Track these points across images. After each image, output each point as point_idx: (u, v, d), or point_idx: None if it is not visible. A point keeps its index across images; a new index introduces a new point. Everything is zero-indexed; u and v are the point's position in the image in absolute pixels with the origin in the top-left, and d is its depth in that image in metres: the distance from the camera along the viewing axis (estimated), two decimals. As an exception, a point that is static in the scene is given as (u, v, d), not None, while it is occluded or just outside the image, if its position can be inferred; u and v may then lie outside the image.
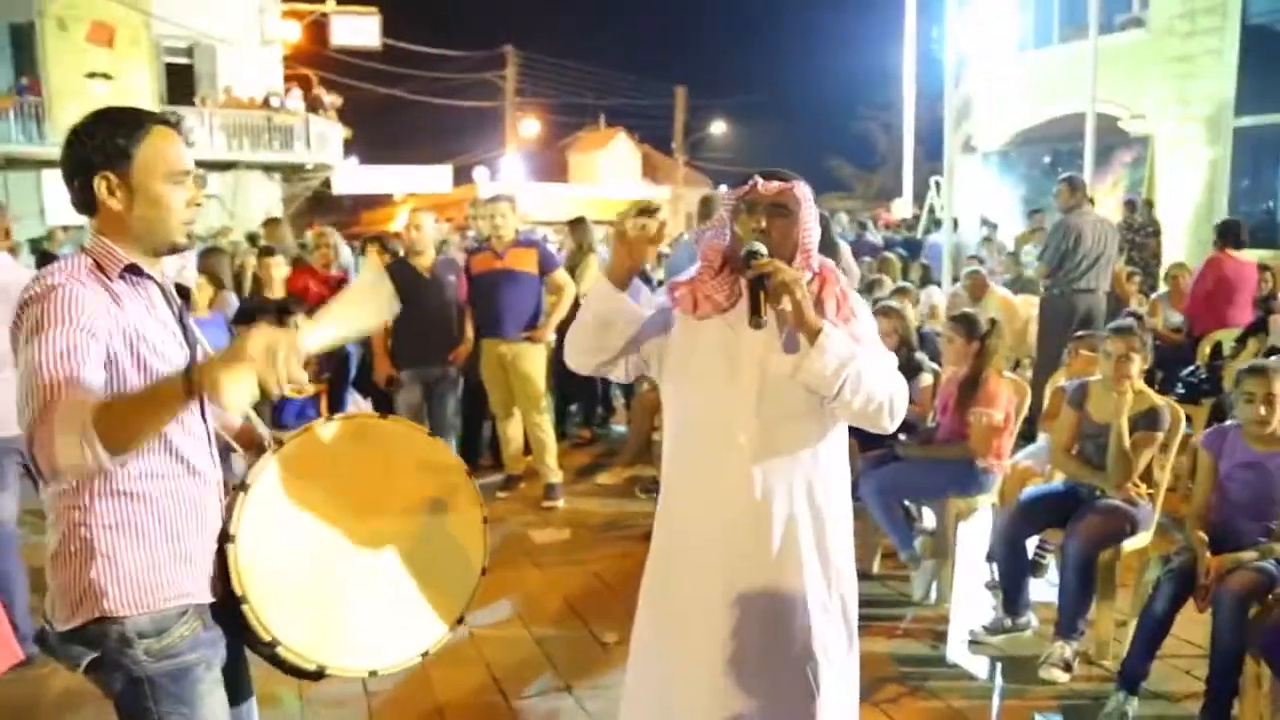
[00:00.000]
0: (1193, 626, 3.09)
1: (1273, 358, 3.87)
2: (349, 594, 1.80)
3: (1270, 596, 2.81)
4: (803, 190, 1.90)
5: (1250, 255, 6.76)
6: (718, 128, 36.31)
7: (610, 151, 34.66)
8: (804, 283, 1.80)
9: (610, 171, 33.53)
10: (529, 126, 31.92)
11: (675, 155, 34.55)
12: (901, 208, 16.87)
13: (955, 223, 13.72)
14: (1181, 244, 11.32)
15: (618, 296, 1.94)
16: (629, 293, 1.99)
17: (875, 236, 13.66)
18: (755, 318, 1.75)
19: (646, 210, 2.27)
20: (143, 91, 18.92)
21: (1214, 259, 6.36)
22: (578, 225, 7.29)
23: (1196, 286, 6.35)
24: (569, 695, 3.17)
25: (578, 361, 2.03)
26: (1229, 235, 6.40)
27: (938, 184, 16.21)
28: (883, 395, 1.84)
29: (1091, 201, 12.40)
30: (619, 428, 7.14)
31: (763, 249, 1.80)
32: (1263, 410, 2.97)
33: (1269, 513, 3.00)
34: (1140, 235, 10.27)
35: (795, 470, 1.90)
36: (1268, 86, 11.19)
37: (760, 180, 1.88)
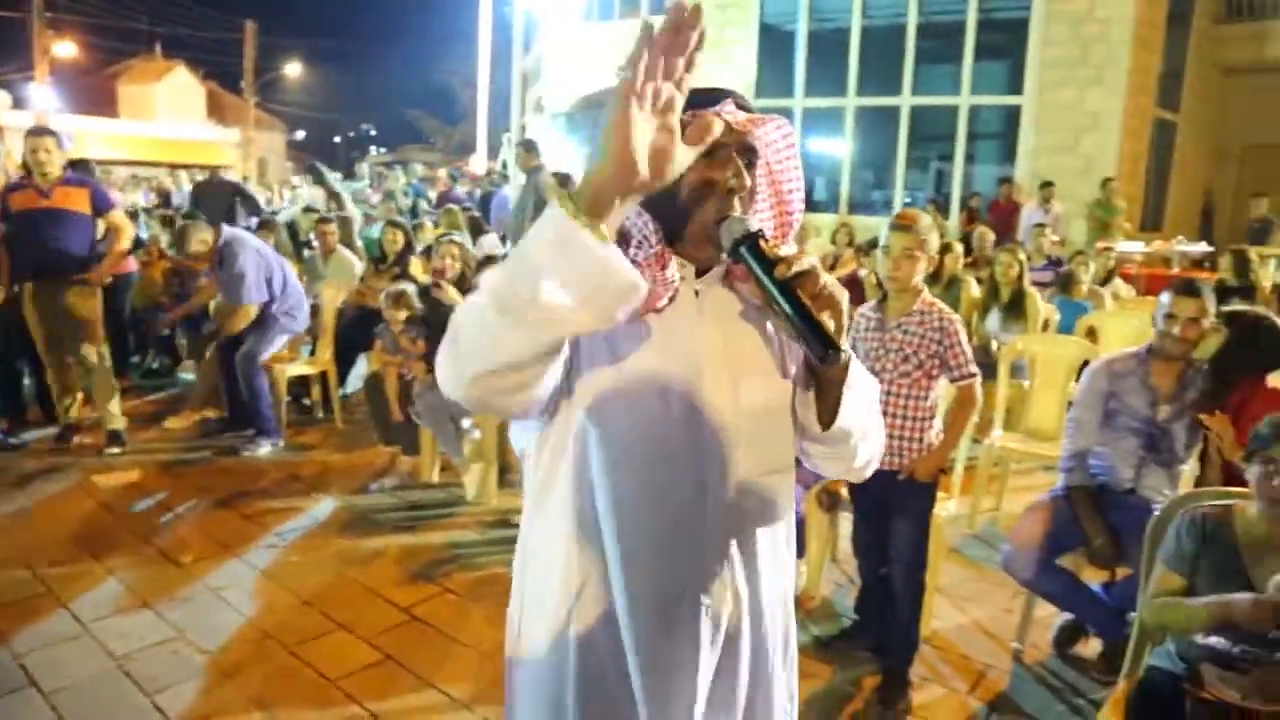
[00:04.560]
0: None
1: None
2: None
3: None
4: (781, 122, 1.26)
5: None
6: (293, 69, 34.45)
7: (168, 85, 31.39)
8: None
9: (169, 108, 30.37)
10: (66, 49, 27.74)
11: (245, 95, 32.20)
12: (478, 162, 17.67)
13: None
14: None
15: (596, 251, 0.98)
16: None
17: (462, 190, 14.36)
18: (833, 351, 1.10)
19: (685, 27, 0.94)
20: None
21: None
22: None
23: None
24: (149, 610, 3.39)
25: (469, 388, 1.08)
26: (569, 188, 7.68)
27: (509, 140, 17.24)
28: (878, 444, 1.39)
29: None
30: (186, 375, 7.02)
31: (757, 227, 1.17)
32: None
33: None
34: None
35: (773, 541, 1.35)
36: (778, 75, 13.61)
37: (729, 106, 1.22)
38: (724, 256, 1.21)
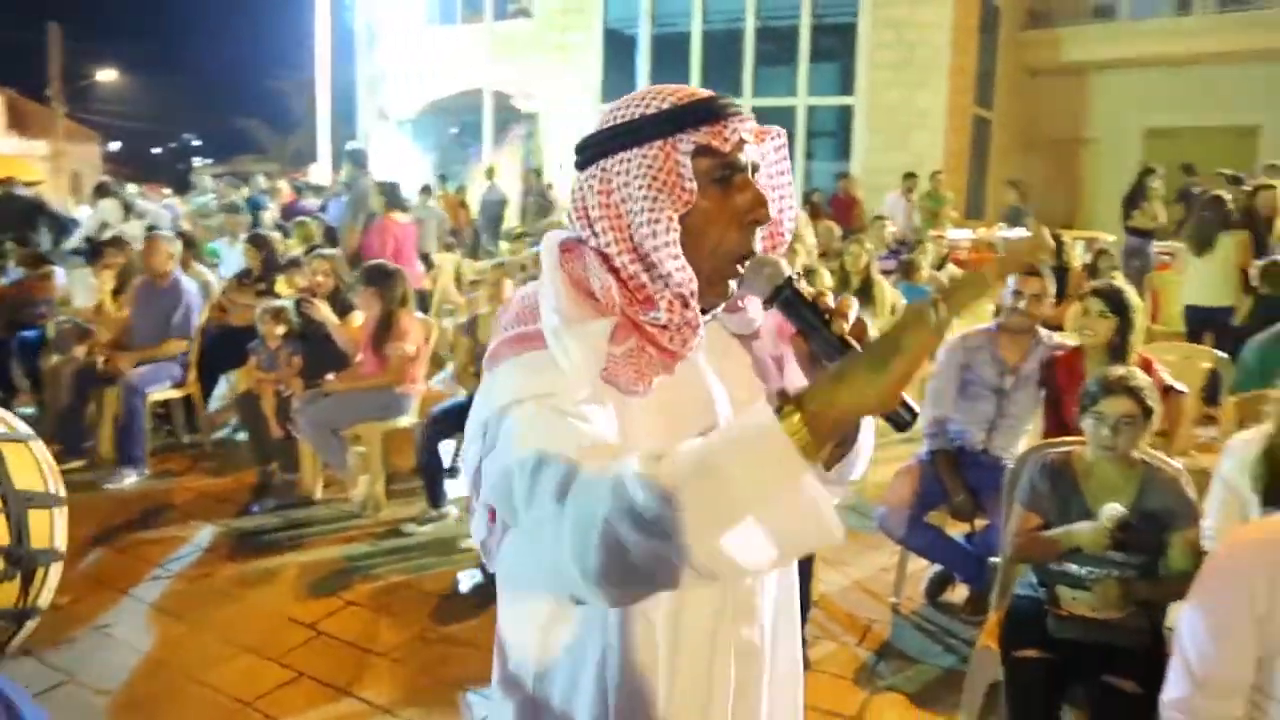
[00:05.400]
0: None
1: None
2: None
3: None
4: (779, 132, 1.18)
5: (406, 218, 7.65)
6: (107, 76, 32.26)
7: (-41, 95, 28.74)
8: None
9: (-39, 120, 27.85)
10: None
11: (53, 104, 29.88)
12: (319, 172, 17.12)
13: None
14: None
15: (814, 494, 0.88)
16: None
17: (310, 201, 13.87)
18: (910, 415, 0.95)
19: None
20: None
21: (383, 222, 7.22)
22: None
23: (366, 243, 7.12)
24: (29, 658, 3.23)
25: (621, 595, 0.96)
26: (393, 198, 7.24)
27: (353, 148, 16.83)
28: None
29: (492, 171, 14.05)
30: (26, 409, 6.56)
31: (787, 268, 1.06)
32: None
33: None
34: (540, 199, 12.26)
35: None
36: (622, 79, 13.88)
37: (751, 122, 1.11)
38: (735, 295, 1.10)
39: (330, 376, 4.72)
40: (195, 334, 5.50)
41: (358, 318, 4.92)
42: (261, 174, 15.07)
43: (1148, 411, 2.40)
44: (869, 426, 1.18)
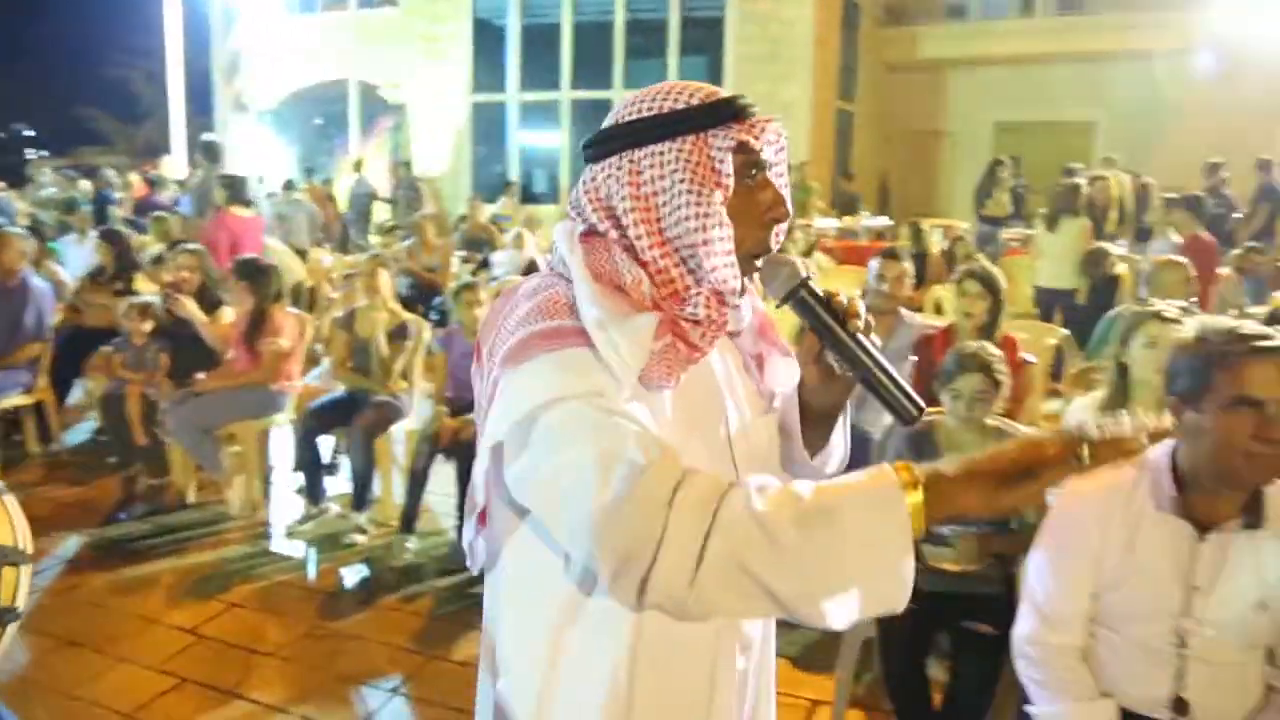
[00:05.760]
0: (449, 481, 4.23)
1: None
2: None
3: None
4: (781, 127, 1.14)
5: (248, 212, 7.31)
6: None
7: None
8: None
9: None
10: None
11: None
12: (174, 165, 16.29)
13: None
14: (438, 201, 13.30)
15: (909, 565, 0.94)
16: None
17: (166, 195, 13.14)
18: (918, 410, 1.05)
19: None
20: None
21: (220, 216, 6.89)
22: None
23: (206, 236, 6.64)
24: None
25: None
26: (235, 192, 6.94)
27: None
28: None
29: (360, 164, 13.72)
30: None
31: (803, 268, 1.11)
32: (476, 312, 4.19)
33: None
34: (410, 192, 12.01)
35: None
36: (492, 71, 13.77)
37: (765, 115, 1.10)
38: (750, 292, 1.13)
39: (200, 375, 4.56)
40: (48, 336, 5.19)
41: (227, 314, 4.76)
42: (109, 167, 14.18)
43: (998, 384, 2.62)
44: (845, 423, 1.23)
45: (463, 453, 4.03)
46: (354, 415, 4.26)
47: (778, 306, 1.11)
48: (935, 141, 14.66)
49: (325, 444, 4.61)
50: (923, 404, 1.04)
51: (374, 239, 10.79)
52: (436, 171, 13.90)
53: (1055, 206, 7.05)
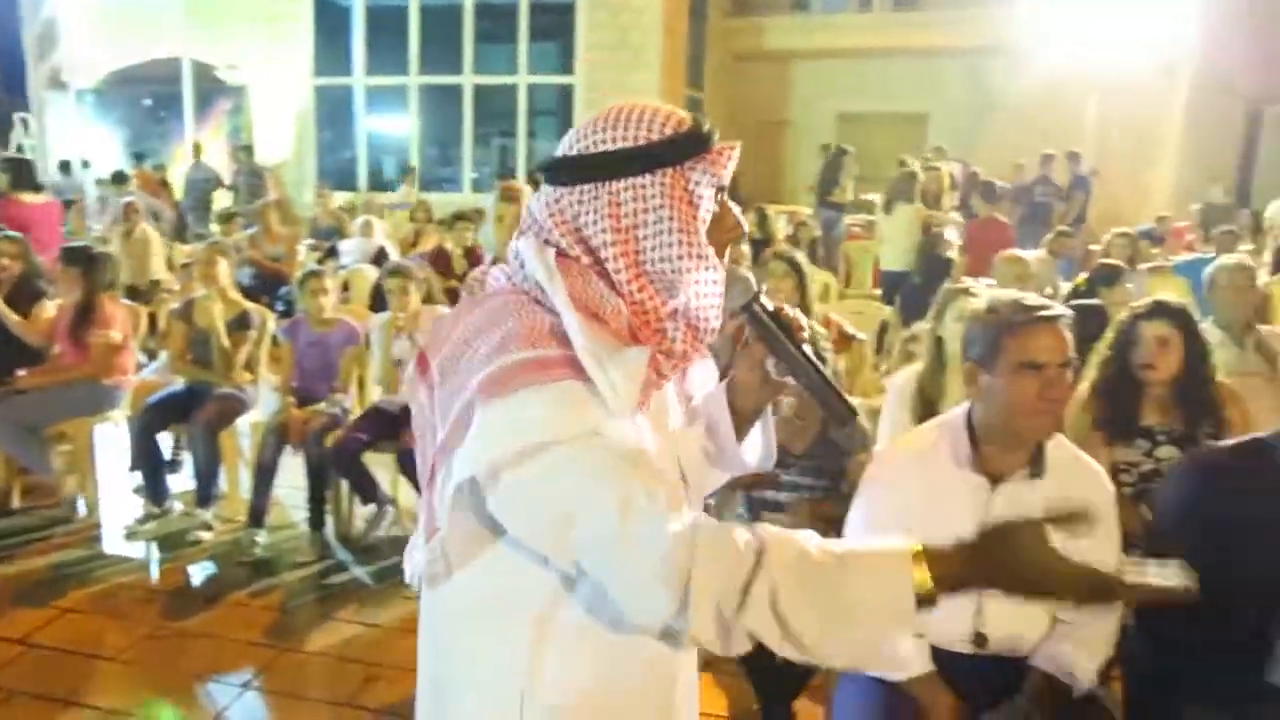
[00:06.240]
0: (297, 474, 4.15)
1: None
2: None
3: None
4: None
5: (39, 198, 6.87)
6: None
7: None
8: None
9: None
10: None
11: None
12: (-23, 148, 14.98)
13: (67, 166, 13.03)
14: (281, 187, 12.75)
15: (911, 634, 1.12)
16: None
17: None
18: (852, 413, 1.18)
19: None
20: None
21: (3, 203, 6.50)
22: None
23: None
24: None
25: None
26: (18, 176, 6.60)
27: (25, 122, 14.99)
28: None
29: (199, 148, 13.00)
30: None
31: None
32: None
33: (333, 374, 4.21)
34: (252, 178, 11.46)
35: None
36: (337, 53, 13.30)
37: (725, 142, 1.15)
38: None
39: (22, 372, 4.28)
40: None
41: (50, 308, 4.48)
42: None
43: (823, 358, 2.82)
44: (768, 421, 1.28)
45: (311, 444, 3.98)
46: (195, 409, 4.11)
47: (732, 317, 1.15)
48: (780, 130, 15.17)
49: (166, 441, 4.42)
50: (854, 406, 1.15)
51: (214, 227, 10.29)
52: (279, 157, 13.34)
53: (892, 193, 7.51)
